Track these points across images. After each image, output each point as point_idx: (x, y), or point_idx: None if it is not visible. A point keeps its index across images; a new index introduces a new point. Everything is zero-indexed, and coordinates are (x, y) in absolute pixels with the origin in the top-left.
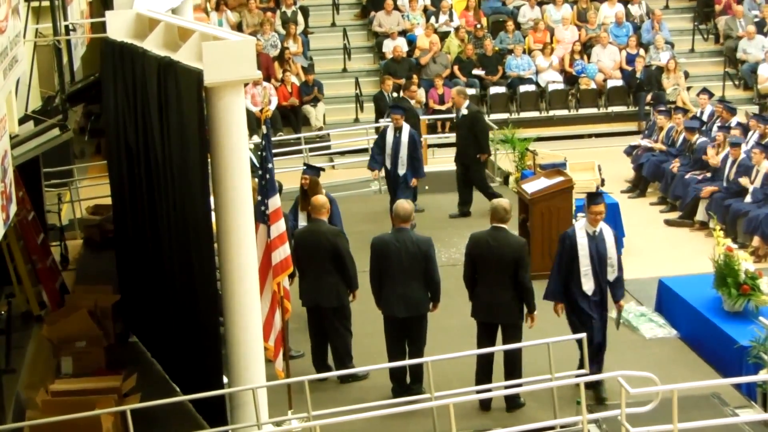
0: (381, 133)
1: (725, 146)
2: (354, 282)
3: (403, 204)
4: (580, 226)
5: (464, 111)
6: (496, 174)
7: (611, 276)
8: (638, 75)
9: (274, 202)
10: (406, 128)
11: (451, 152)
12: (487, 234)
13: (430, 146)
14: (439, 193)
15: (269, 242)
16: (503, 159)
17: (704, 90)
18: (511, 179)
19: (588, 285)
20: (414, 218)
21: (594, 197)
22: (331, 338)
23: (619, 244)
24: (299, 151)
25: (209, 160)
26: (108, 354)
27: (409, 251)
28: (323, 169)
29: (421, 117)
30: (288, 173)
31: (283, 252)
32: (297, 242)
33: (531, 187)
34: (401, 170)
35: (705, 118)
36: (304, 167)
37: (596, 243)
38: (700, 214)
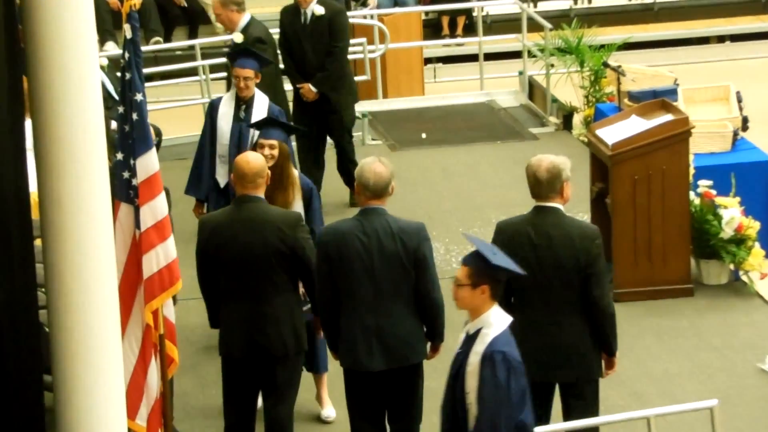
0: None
1: None
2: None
3: (374, 166)
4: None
5: (316, 8)
6: (550, 111)
7: None
8: None
9: (147, 164)
10: None
11: None
12: (527, 222)
13: None
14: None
15: (139, 236)
16: (562, 84)
17: None
18: (577, 120)
19: None
20: (393, 188)
21: None
22: (271, 409)
23: None
24: (194, 71)
25: (24, 87)
26: None
27: (387, 251)
28: (302, 129)
29: None
30: (175, 112)
31: (165, 254)
32: (212, 240)
33: (612, 133)
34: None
35: None
36: (260, 126)
37: None
38: None
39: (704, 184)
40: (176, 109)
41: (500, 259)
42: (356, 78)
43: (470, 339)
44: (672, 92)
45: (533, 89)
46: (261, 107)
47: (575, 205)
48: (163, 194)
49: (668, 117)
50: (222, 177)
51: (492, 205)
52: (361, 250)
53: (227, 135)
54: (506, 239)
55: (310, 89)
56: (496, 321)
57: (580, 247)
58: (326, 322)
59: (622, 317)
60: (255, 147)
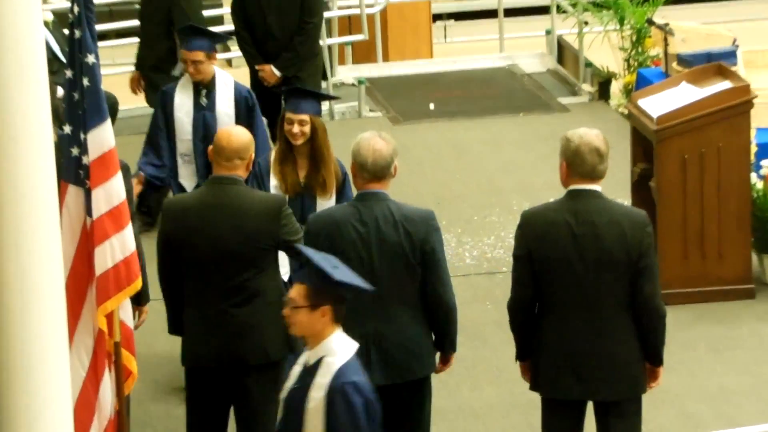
0: None
1: None
2: None
3: (372, 141)
4: None
5: None
6: (583, 77)
7: None
8: None
9: (100, 139)
10: None
11: None
12: (563, 208)
13: None
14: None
15: (90, 225)
16: (598, 45)
17: None
18: (615, 88)
19: None
20: (395, 168)
21: None
22: (248, 425)
23: None
24: None
25: None
26: None
27: (388, 243)
28: (335, 97)
29: None
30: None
31: (122, 247)
32: (177, 229)
33: (658, 104)
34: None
35: None
36: (288, 96)
37: None
38: None
39: None
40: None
41: (343, 273)
42: (352, 37)
43: (309, 371)
44: (730, 55)
45: (563, 51)
46: (226, 90)
47: (612, 190)
48: (119, 175)
49: (725, 84)
50: (188, 179)
51: (513, 189)
52: (357, 241)
53: (189, 128)
54: (539, 232)
55: (272, 72)
56: (341, 347)
57: (631, 235)
58: None
59: (670, 323)
60: (282, 123)
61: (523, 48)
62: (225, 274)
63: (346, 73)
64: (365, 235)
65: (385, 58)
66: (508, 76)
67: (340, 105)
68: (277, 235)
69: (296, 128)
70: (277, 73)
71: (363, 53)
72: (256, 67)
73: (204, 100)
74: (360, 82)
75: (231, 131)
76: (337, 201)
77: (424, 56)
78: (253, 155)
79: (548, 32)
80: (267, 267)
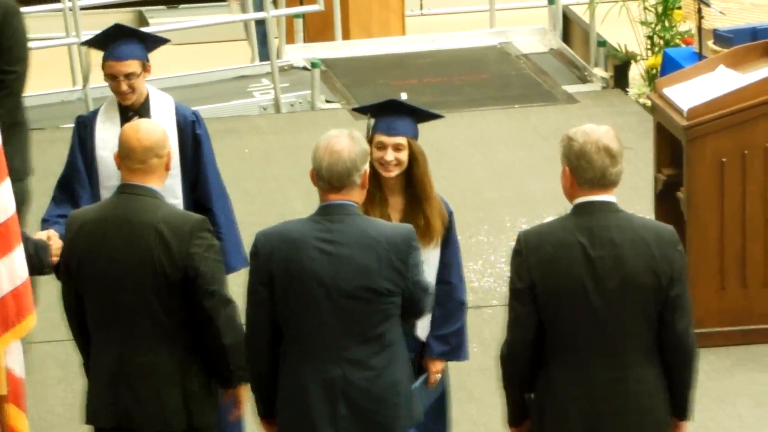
0: None
1: None
2: (236, 365)
3: (332, 142)
4: None
5: None
6: (595, 60)
7: None
8: None
9: None
10: None
11: None
12: (572, 226)
13: None
14: None
15: None
16: (613, 18)
17: None
18: (636, 73)
19: None
20: (365, 177)
21: None
22: None
23: None
24: None
25: None
26: None
27: (359, 267)
28: (440, 116)
29: None
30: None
31: (10, 274)
32: (76, 247)
33: (689, 93)
34: None
35: None
36: (376, 113)
37: None
38: None
39: None
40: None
41: None
42: (305, 8)
43: None
44: None
45: (570, 26)
46: (165, 114)
47: (630, 202)
48: (7, 182)
49: None
50: None
51: (507, 201)
52: (321, 266)
53: (116, 169)
54: (546, 257)
55: None
56: None
57: (660, 256)
58: (259, 378)
59: (702, 370)
60: (370, 149)
61: (519, 22)
62: (120, 309)
63: (296, 53)
64: (330, 257)
65: (346, 35)
66: (501, 57)
67: (288, 94)
68: (184, 261)
69: (390, 155)
70: None
71: (318, 29)
72: None
73: None
74: (314, 65)
75: (138, 127)
76: (443, 251)
77: (394, 32)
78: (171, 152)
79: (551, 1)
80: (173, 304)
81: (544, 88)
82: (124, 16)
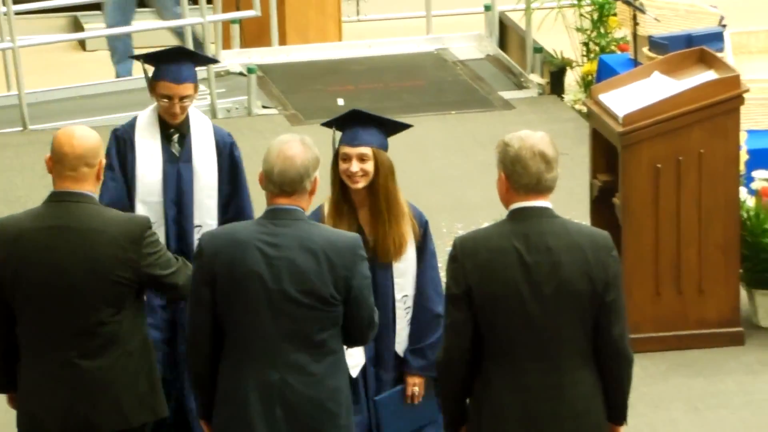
0: None
1: None
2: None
3: (285, 147)
4: None
5: None
6: (531, 66)
7: None
8: None
9: None
10: None
11: None
12: (508, 232)
13: None
14: None
15: None
16: (550, 24)
17: None
18: (572, 79)
19: None
20: (315, 183)
21: None
22: None
23: None
24: None
25: None
26: None
27: (302, 273)
28: (408, 125)
29: None
30: None
31: None
32: (7, 257)
33: (625, 100)
34: None
35: None
36: (342, 124)
37: None
38: None
39: (762, 176)
40: None
41: None
42: (241, 14)
43: None
44: (716, 38)
45: (506, 33)
46: (205, 135)
47: (566, 208)
48: None
49: (709, 75)
50: None
51: (443, 207)
52: (264, 269)
53: (158, 187)
54: (481, 262)
55: None
56: None
57: (595, 261)
58: (198, 378)
59: (637, 375)
60: (336, 161)
61: (455, 28)
62: (69, 316)
63: (232, 58)
64: (275, 260)
65: (282, 41)
66: (437, 63)
67: (224, 100)
68: (137, 267)
69: (355, 166)
70: None
71: (254, 34)
72: None
73: (177, 148)
74: (250, 70)
75: (73, 132)
76: (419, 260)
77: (331, 38)
78: (103, 161)
79: (487, 8)
80: (125, 307)
81: (480, 94)
82: (59, 21)
